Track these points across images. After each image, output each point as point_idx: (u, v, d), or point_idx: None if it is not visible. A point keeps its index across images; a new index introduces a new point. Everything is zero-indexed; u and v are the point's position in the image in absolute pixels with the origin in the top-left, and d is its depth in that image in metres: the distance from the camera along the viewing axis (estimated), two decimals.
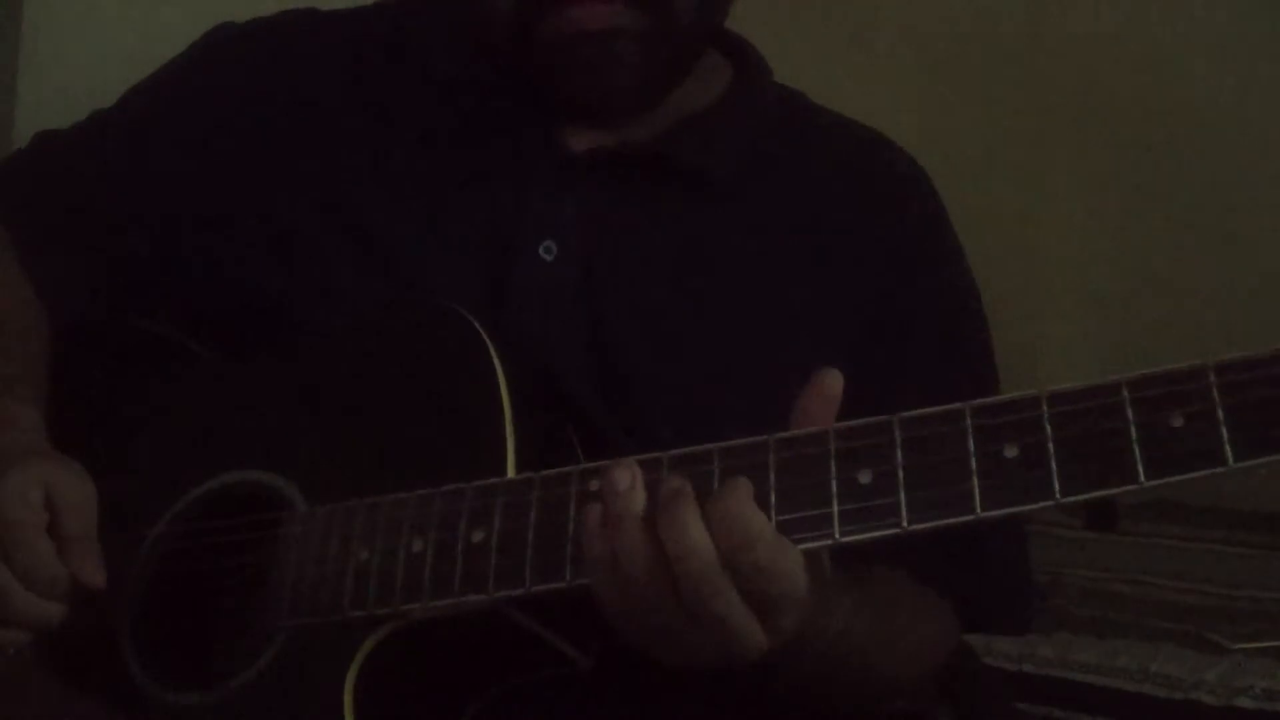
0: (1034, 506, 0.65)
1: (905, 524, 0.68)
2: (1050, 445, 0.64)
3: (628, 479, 0.74)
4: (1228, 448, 0.61)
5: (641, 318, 0.97)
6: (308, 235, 1.01)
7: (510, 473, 0.82)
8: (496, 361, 0.86)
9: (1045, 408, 0.65)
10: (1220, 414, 0.61)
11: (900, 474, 0.68)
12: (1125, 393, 0.64)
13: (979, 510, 0.66)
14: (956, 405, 0.68)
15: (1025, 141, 3.17)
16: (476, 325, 0.88)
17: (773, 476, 0.71)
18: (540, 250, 0.97)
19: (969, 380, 1.00)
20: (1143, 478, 0.62)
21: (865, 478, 0.69)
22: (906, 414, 0.69)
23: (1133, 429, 0.63)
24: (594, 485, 0.76)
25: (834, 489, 0.69)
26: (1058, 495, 0.64)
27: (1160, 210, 3.12)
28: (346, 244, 1.00)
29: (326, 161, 1.02)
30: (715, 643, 0.74)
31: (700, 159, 1.00)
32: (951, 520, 0.67)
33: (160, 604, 0.96)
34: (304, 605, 0.86)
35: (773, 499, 0.70)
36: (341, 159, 1.02)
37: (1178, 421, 0.62)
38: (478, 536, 0.79)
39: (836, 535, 0.69)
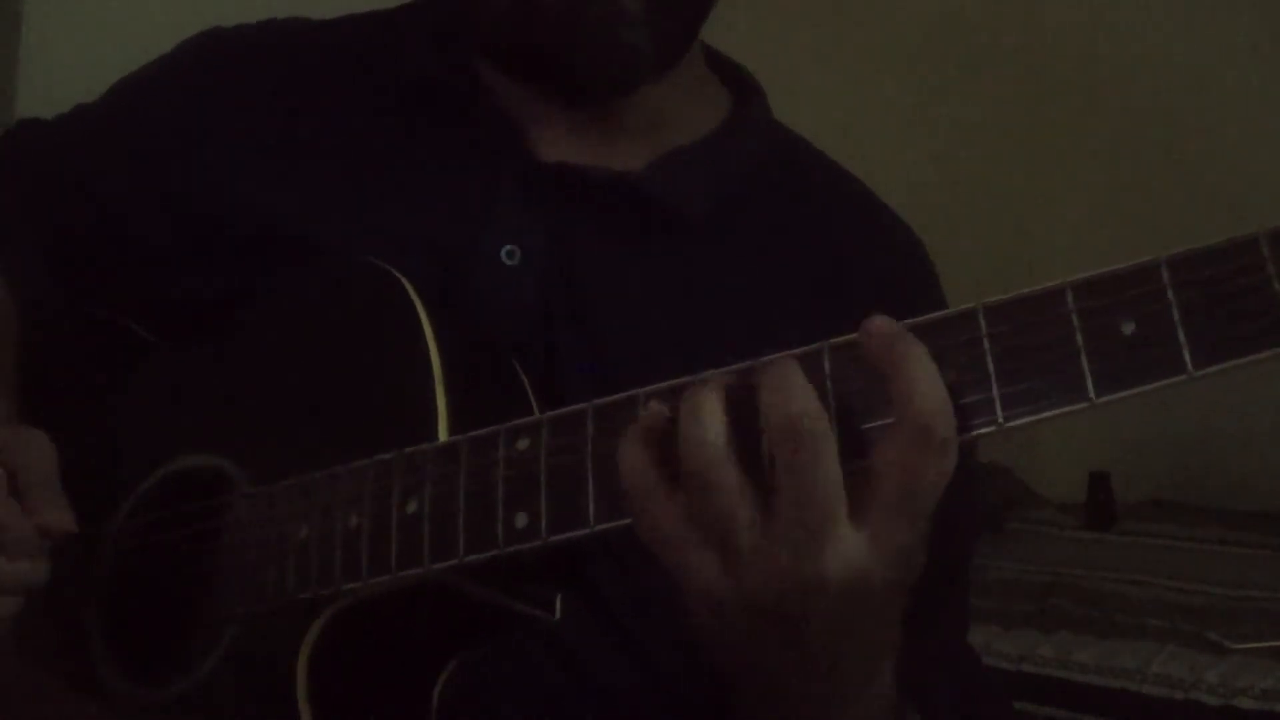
0: (975, 434, 0.59)
1: None
2: (990, 365, 0.59)
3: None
4: (1186, 354, 0.55)
5: (597, 344, 0.94)
6: (261, 235, 0.99)
7: (442, 436, 0.78)
8: (425, 321, 0.82)
9: (983, 323, 0.60)
10: (1176, 316, 0.55)
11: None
12: (1070, 300, 0.58)
13: None
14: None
15: (1025, 143, 3.15)
16: (404, 283, 0.84)
17: None
18: (502, 254, 0.94)
19: None
20: (1093, 394, 0.57)
21: None
22: (837, 339, 0.64)
23: (1079, 340, 0.57)
24: (521, 445, 0.72)
25: None
26: (1000, 420, 0.58)
27: (1160, 211, 3.09)
28: (298, 241, 0.97)
29: (285, 165, 1.01)
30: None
31: (676, 199, 0.97)
32: None
33: (125, 599, 0.93)
34: (251, 591, 0.83)
35: None
36: (300, 160, 1.01)
37: (1129, 328, 0.56)
38: (411, 507, 0.75)
39: None
